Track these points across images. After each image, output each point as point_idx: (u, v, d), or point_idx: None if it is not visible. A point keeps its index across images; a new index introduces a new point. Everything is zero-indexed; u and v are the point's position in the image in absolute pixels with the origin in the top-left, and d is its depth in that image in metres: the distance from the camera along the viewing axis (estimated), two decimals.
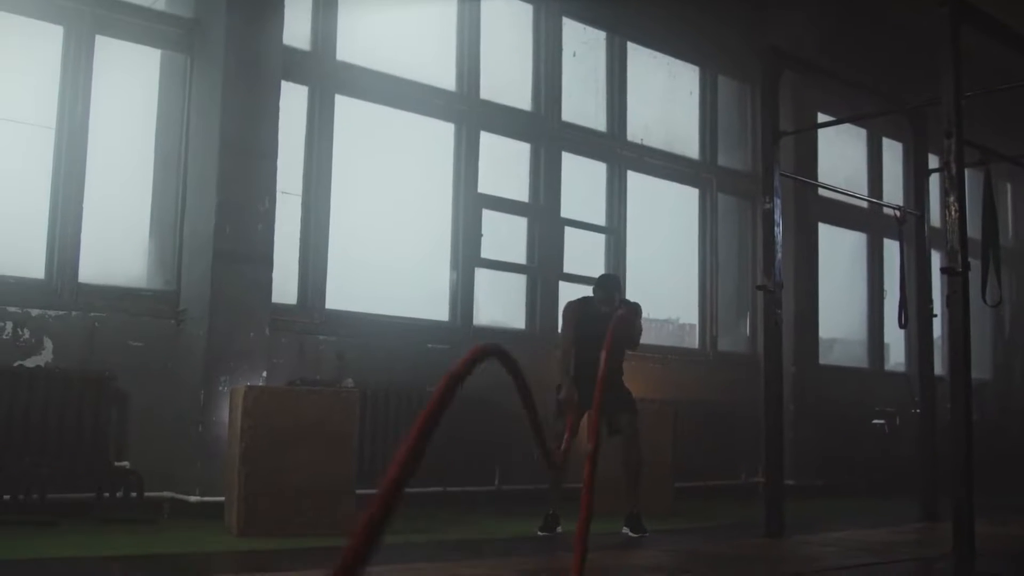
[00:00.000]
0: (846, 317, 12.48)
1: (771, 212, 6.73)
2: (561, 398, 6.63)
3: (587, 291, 7.13)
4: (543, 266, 9.22)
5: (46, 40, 6.83)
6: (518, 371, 1.83)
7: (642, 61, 10.44)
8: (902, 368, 12.83)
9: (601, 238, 9.83)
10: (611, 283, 7.01)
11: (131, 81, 7.22)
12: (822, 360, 11.37)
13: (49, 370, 6.42)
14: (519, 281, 9.21)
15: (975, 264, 6.05)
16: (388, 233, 8.37)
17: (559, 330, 7.19)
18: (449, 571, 4.74)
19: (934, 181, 9.19)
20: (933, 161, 8.74)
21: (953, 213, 5.77)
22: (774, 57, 7.06)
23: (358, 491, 6.27)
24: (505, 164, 9.17)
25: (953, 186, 5.78)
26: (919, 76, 8.28)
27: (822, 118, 10.76)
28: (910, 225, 8.18)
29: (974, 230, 6.33)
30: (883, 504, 9.17)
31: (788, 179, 7.91)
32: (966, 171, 5.92)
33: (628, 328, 6.62)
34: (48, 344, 6.50)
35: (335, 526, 5.93)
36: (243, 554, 5.29)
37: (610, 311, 6.79)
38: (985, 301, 7.08)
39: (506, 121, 9.18)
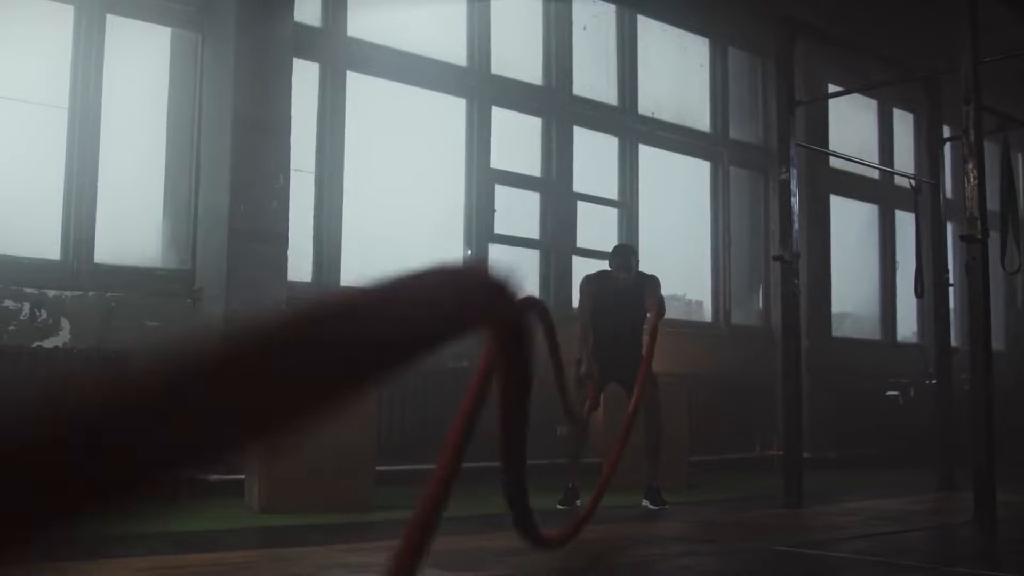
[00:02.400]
0: (858, 290, 12.45)
1: (787, 182, 6.71)
2: (582, 373, 6.63)
3: (601, 265, 7.11)
4: (556, 241, 9.20)
5: (57, 20, 6.81)
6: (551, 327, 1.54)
7: (652, 34, 10.39)
8: (913, 340, 12.82)
9: (613, 212, 9.80)
10: (626, 250, 7.02)
11: (142, 60, 7.20)
12: (835, 333, 11.36)
13: (67, 350, 6.42)
14: (532, 256, 9.19)
15: (992, 233, 6.03)
16: (401, 209, 8.36)
17: (575, 305, 7.18)
18: (470, 543, 4.76)
19: (947, 152, 9.18)
20: (947, 132, 8.72)
21: (972, 180, 5.74)
22: (788, 26, 7.02)
23: (378, 467, 6.29)
24: (517, 139, 9.14)
25: (971, 153, 5.76)
26: (931, 46, 8.24)
27: (832, 90, 10.71)
28: (925, 195, 8.15)
29: (990, 200, 6.30)
30: (898, 475, 9.18)
31: (800, 151, 7.88)
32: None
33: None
34: (65, 325, 6.51)
35: (356, 502, 5.95)
36: (265, 530, 5.30)
37: (629, 279, 6.79)
38: (1004, 268, 7.06)
39: (517, 95, 9.15)
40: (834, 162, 10.92)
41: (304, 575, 3.90)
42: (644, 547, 5.07)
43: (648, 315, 6.73)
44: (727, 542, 5.21)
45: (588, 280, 6.95)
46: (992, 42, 6.32)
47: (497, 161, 8.86)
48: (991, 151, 8.05)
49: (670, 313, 10.14)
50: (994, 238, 6.45)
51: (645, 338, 6.76)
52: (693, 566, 4.41)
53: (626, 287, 6.76)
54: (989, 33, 5.98)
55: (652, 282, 6.88)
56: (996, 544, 5.19)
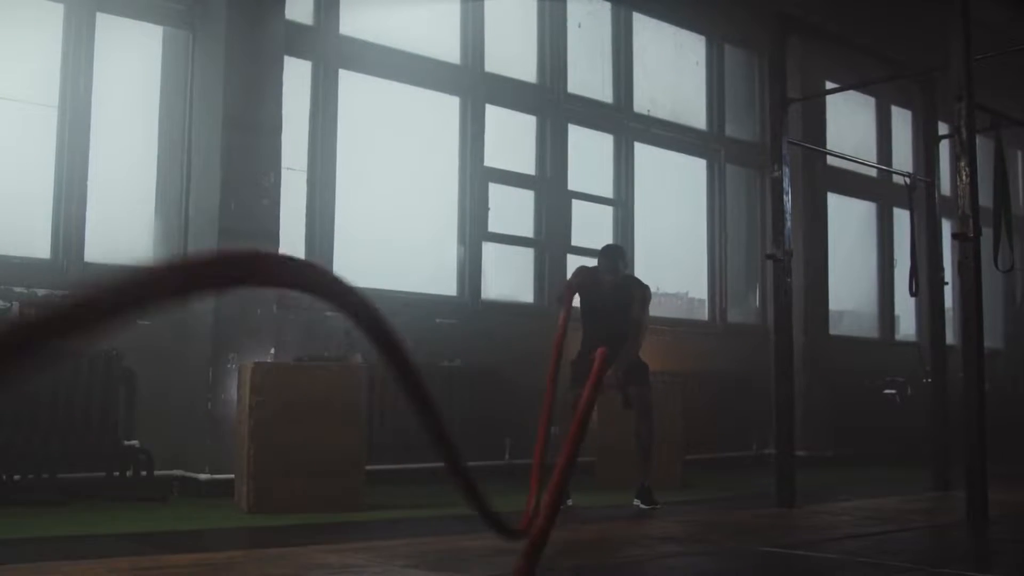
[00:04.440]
0: (856, 288, 12.42)
1: (780, 180, 6.67)
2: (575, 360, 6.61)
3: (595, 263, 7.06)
4: (551, 239, 9.18)
5: (47, 18, 6.78)
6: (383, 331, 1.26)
7: (648, 31, 10.36)
8: (912, 338, 12.79)
9: (609, 210, 9.78)
10: (614, 252, 6.94)
11: (133, 58, 7.17)
12: (832, 331, 11.32)
13: (56, 350, 6.38)
14: (527, 254, 9.17)
15: (986, 231, 6.00)
16: (395, 208, 8.34)
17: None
18: (456, 543, 4.73)
19: (943, 149, 9.12)
20: (942, 129, 8.68)
21: (964, 178, 5.72)
22: (781, 22, 6.99)
23: (367, 467, 6.27)
24: (511, 137, 9.11)
25: (964, 151, 5.73)
26: (927, 43, 8.20)
27: (829, 87, 10.67)
28: (920, 192, 8.11)
29: (985, 197, 6.27)
30: (894, 473, 9.15)
31: (796, 149, 7.86)
32: (977, 138, 5.87)
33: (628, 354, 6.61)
34: None
35: (346, 501, 5.93)
36: (254, 530, 5.28)
37: (614, 281, 6.74)
38: (997, 267, 7.02)
39: (512, 94, 9.12)
40: (831, 160, 10.88)
41: (286, 575, 3.88)
42: (633, 547, 5.05)
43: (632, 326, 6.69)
44: (716, 542, 5.19)
45: (580, 270, 6.84)
46: (986, 39, 6.29)
47: (491, 159, 8.83)
48: (986, 149, 8.01)
49: (668, 311, 10.17)
50: (988, 236, 6.42)
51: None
52: (679, 567, 4.39)
53: (614, 288, 6.73)
54: (983, 30, 5.95)
55: (641, 292, 6.81)
56: (986, 545, 5.16)
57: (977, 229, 5.67)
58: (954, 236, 5.76)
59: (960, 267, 5.74)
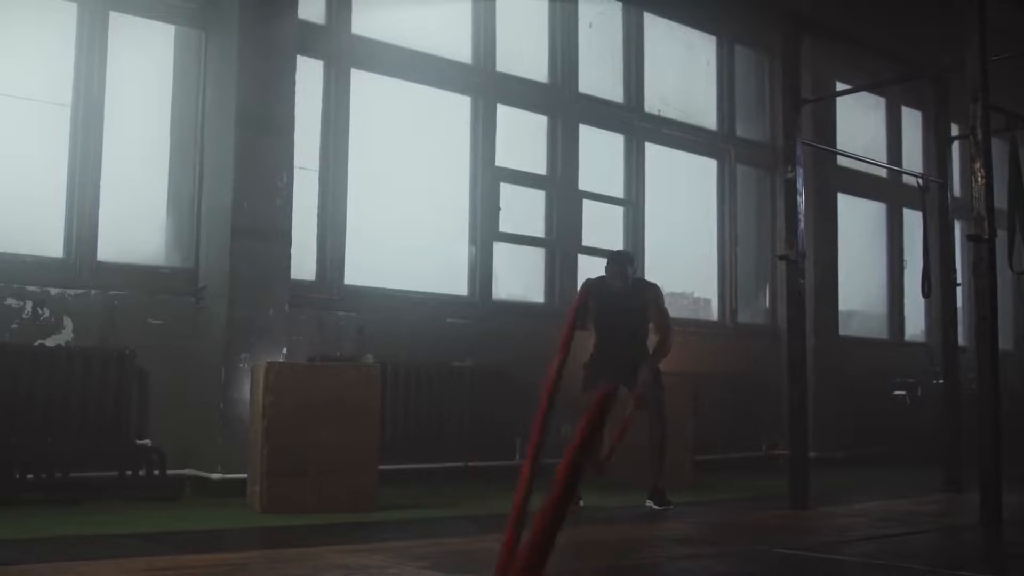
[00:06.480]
0: (865, 289, 12.39)
1: (793, 181, 6.66)
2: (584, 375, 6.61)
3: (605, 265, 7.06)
4: (561, 239, 9.17)
5: (60, 17, 6.78)
6: None
7: (659, 31, 10.34)
8: (921, 340, 12.76)
9: (619, 210, 9.76)
10: (623, 258, 6.96)
11: (146, 58, 7.17)
12: (842, 332, 11.30)
13: (69, 349, 6.40)
14: (538, 254, 9.16)
15: (1000, 232, 5.97)
16: (406, 207, 8.33)
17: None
18: (473, 544, 4.73)
19: (955, 151, 9.10)
20: (955, 130, 8.66)
21: (979, 179, 5.70)
22: (794, 22, 6.97)
23: (380, 467, 6.26)
24: (522, 137, 9.10)
25: (979, 152, 5.71)
26: (940, 44, 8.17)
27: (840, 88, 10.65)
28: (932, 193, 8.09)
29: (998, 199, 6.24)
30: (905, 475, 9.13)
31: (807, 149, 7.82)
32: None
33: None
34: (68, 323, 6.49)
35: (358, 502, 5.93)
36: (266, 530, 5.28)
37: (624, 287, 6.75)
38: (1012, 268, 6.99)
39: (523, 93, 9.11)
40: (842, 160, 10.86)
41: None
42: (646, 549, 5.04)
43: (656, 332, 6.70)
44: (730, 544, 5.18)
45: (588, 283, 6.90)
46: (998, 40, 6.25)
47: (502, 159, 8.82)
48: (999, 150, 7.97)
49: (677, 311, 10.13)
50: (1002, 237, 6.39)
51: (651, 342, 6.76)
52: (694, 569, 4.38)
53: (624, 292, 6.75)
54: (995, 30, 5.92)
55: (655, 295, 6.83)
56: (1001, 547, 5.14)
57: (992, 230, 5.65)
58: (969, 237, 5.73)
59: (975, 268, 5.71)
